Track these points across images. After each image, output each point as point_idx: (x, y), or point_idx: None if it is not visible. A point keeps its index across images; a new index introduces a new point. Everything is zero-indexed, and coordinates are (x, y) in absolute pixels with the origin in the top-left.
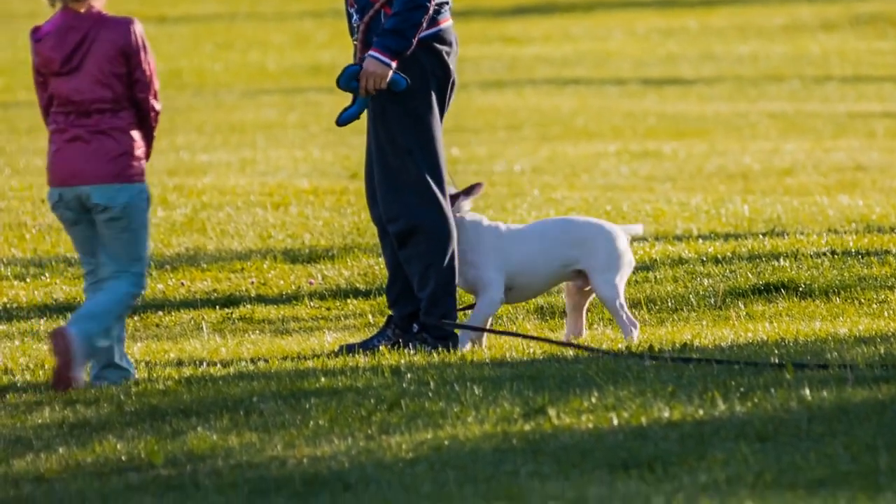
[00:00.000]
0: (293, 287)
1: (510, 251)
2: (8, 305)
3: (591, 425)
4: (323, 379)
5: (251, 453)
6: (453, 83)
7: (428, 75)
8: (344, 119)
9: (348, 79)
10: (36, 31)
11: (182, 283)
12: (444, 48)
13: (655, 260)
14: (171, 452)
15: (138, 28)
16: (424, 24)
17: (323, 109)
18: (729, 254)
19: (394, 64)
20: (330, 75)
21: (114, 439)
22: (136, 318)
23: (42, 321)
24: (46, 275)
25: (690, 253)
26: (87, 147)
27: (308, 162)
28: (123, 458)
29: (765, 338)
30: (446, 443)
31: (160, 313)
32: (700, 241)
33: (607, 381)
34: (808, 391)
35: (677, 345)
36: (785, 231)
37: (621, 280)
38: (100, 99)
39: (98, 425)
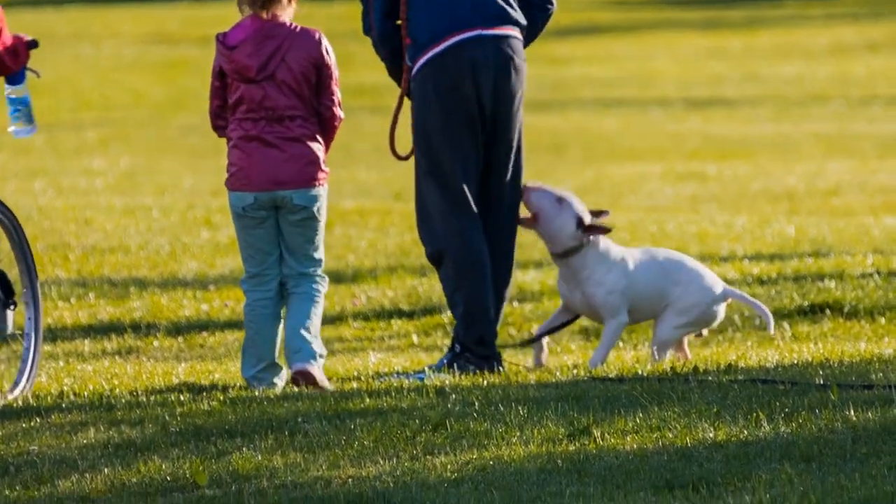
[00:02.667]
0: (337, 308)
1: (636, 278)
2: (52, 326)
3: (635, 446)
4: (367, 399)
5: (296, 473)
6: (469, 94)
7: (420, 100)
8: None
9: None
10: (225, 38)
11: (226, 304)
12: (435, 71)
13: None
14: (215, 473)
15: (325, 40)
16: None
17: (367, 129)
18: (774, 274)
19: None
20: (374, 95)
21: (159, 460)
22: (180, 338)
23: (86, 342)
24: (91, 295)
25: (735, 274)
26: (283, 154)
27: (352, 182)
28: (168, 478)
29: (810, 358)
30: (491, 463)
31: (204, 334)
32: (745, 261)
33: (652, 402)
34: (852, 412)
35: (722, 365)
36: (830, 252)
37: (686, 329)
38: (292, 106)
39: (143, 446)
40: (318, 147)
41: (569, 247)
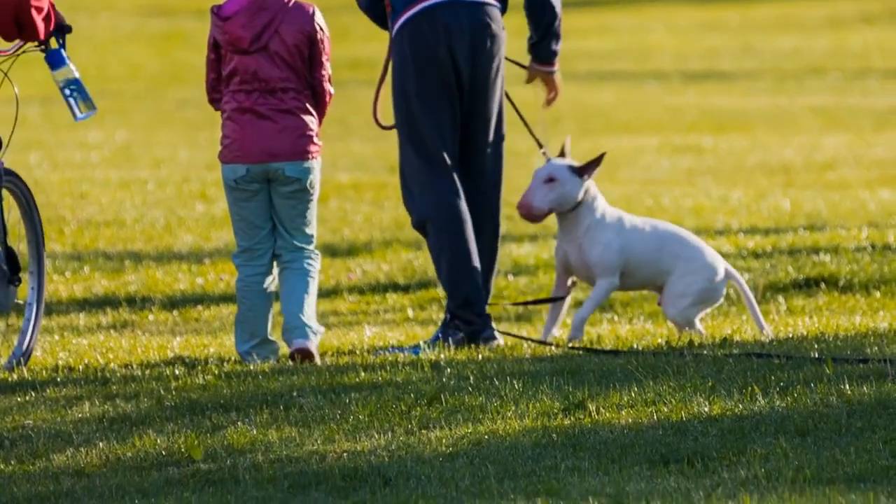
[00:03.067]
0: (333, 281)
1: (632, 241)
2: (48, 300)
3: (630, 420)
4: (363, 373)
5: (291, 448)
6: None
7: (398, 65)
8: None
9: None
10: (219, 10)
11: (221, 278)
12: (409, 34)
13: None
14: (210, 447)
15: (320, 15)
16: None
17: (363, 104)
18: (769, 248)
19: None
20: (368, 69)
21: (153, 434)
22: (175, 312)
23: (81, 315)
24: (86, 269)
25: (731, 247)
26: (276, 125)
27: (348, 156)
28: (163, 452)
29: (805, 332)
30: (486, 437)
31: (199, 308)
32: (740, 235)
33: (647, 376)
34: (847, 386)
35: (717, 339)
36: (825, 225)
37: (694, 310)
38: (285, 78)
39: (138, 420)
40: (311, 120)
41: (575, 202)
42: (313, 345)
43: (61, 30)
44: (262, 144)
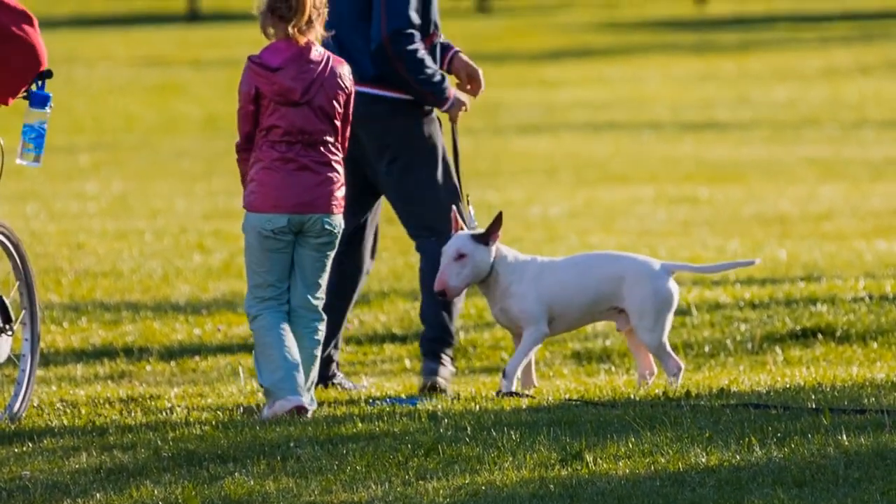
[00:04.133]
0: None
1: (548, 282)
2: (45, 350)
3: (627, 471)
4: (360, 424)
5: (288, 499)
6: None
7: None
8: None
9: None
10: (261, 60)
11: (219, 328)
12: None
13: (692, 305)
14: (208, 497)
15: (349, 70)
16: None
17: None
18: (766, 299)
19: None
20: None
21: (151, 484)
22: (172, 363)
23: (79, 366)
24: (83, 320)
25: (727, 298)
26: (317, 177)
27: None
28: (160, 503)
29: (802, 383)
30: (483, 488)
31: (197, 358)
32: (737, 285)
33: (644, 427)
34: (845, 437)
35: (714, 390)
36: (822, 276)
37: (659, 321)
38: (325, 131)
39: (135, 470)
40: (342, 172)
41: (489, 270)
42: (310, 407)
43: (41, 75)
44: (304, 196)
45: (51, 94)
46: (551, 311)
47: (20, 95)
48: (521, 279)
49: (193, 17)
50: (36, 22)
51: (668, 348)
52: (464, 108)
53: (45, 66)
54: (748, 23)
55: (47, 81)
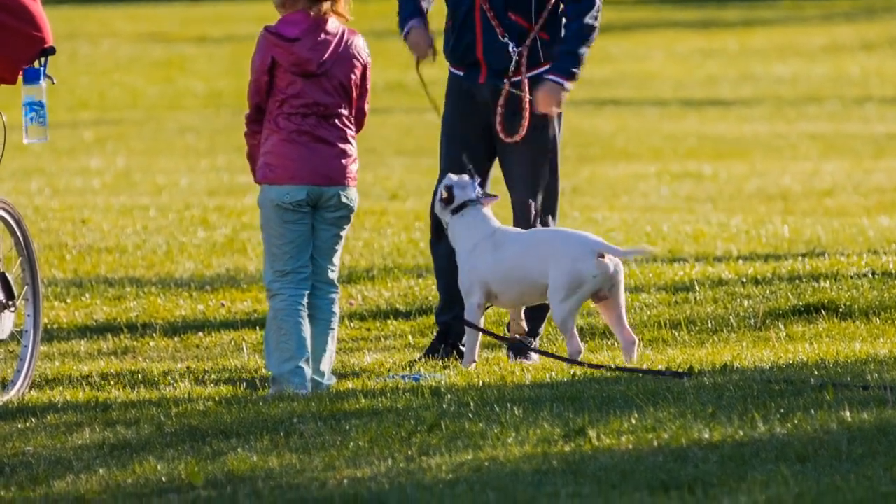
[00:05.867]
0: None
1: (481, 260)
2: (49, 326)
3: (630, 446)
4: (363, 400)
5: (291, 474)
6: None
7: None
8: None
9: None
10: (278, 31)
11: (222, 304)
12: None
13: (695, 281)
14: (211, 473)
15: (366, 43)
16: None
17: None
18: (769, 275)
19: (568, 86)
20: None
21: (154, 460)
22: (176, 338)
23: (82, 342)
24: (87, 295)
25: (730, 274)
26: (333, 150)
27: None
28: (163, 479)
29: (805, 359)
30: (486, 464)
31: (200, 334)
32: (740, 262)
33: (647, 402)
34: (848, 412)
35: (717, 366)
36: (825, 252)
37: (569, 299)
38: (340, 104)
39: (138, 446)
40: (356, 145)
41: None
42: (327, 383)
43: (44, 52)
44: (322, 168)
45: (41, 69)
46: (488, 287)
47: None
48: (462, 250)
49: None
50: None
51: (573, 328)
52: (424, 55)
53: (49, 43)
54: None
55: (49, 59)
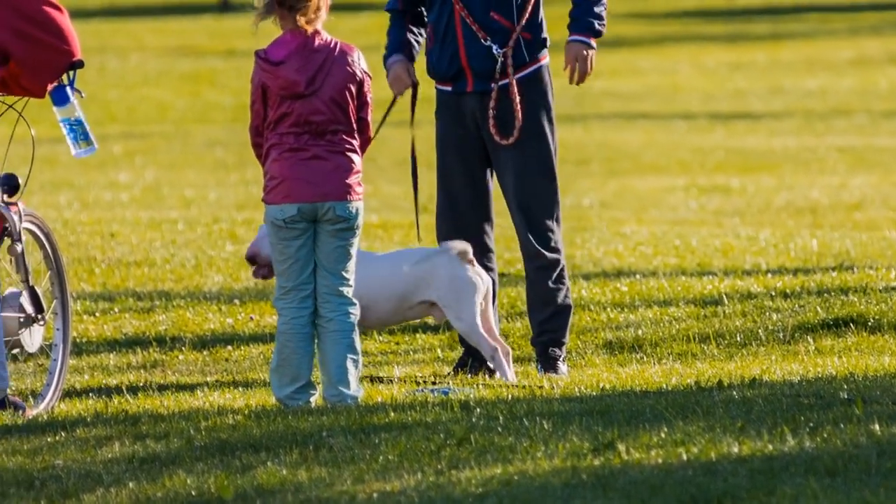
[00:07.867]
0: None
1: (362, 277)
2: (78, 340)
3: (660, 460)
4: (392, 413)
5: (320, 488)
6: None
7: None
8: None
9: None
10: (266, 55)
11: (251, 318)
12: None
13: (724, 294)
14: (240, 487)
15: (362, 56)
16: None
17: (392, 144)
18: (798, 288)
19: (593, 43)
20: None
21: (183, 474)
22: (204, 352)
23: (111, 355)
24: (116, 309)
25: (759, 287)
26: (327, 164)
27: (377, 196)
28: (193, 492)
29: (834, 372)
30: (515, 478)
31: (229, 348)
32: (769, 275)
33: (676, 416)
34: (877, 426)
35: (746, 380)
36: (854, 265)
37: (465, 308)
38: (335, 120)
39: (168, 460)
40: (357, 160)
41: None
42: (357, 394)
43: (72, 65)
44: (313, 184)
45: (66, 86)
46: (362, 307)
47: (54, 85)
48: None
49: (225, 7)
50: (66, 12)
51: (482, 330)
52: (401, 92)
53: (77, 57)
54: (779, 12)
55: (77, 72)
